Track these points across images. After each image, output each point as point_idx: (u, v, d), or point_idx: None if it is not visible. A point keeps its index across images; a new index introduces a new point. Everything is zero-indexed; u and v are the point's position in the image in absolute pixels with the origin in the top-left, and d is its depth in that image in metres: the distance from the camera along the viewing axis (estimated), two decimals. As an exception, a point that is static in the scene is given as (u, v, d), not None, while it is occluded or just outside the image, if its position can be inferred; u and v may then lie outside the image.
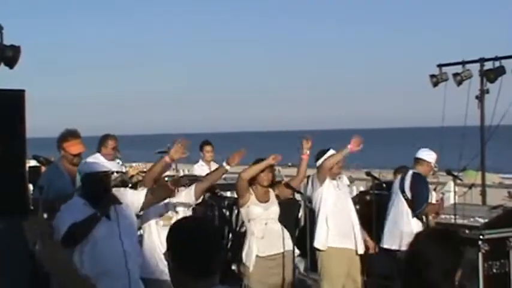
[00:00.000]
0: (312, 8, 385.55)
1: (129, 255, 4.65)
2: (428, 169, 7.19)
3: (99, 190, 4.69)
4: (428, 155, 7.18)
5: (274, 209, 6.13)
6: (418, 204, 6.99)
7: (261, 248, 5.98)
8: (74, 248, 4.57)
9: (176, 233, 2.46)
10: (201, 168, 9.74)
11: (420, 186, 7.05)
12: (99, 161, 5.57)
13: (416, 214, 7.02)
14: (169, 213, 5.59)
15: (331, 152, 6.59)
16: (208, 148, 9.79)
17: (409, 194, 7.04)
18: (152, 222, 5.57)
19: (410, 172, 7.21)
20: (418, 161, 7.18)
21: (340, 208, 6.53)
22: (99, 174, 4.74)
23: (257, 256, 5.97)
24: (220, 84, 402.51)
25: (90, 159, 7.10)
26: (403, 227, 6.93)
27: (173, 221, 5.08)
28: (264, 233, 6.02)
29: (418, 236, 2.76)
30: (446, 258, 2.58)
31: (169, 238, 2.46)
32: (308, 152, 6.28)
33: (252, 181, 6.08)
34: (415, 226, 6.89)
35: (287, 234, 6.14)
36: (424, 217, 7.14)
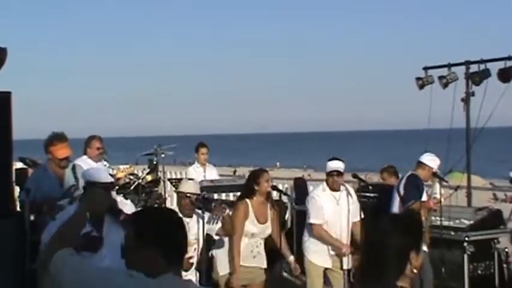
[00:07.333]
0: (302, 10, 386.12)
1: None
2: (428, 174, 7.11)
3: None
4: (430, 160, 7.14)
5: (268, 231, 6.17)
6: (406, 201, 6.97)
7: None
8: None
9: (160, 220, 2.52)
10: (196, 171, 9.60)
11: (412, 184, 7.01)
12: (102, 168, 5.23)
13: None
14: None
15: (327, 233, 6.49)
16: (203, 150, 9.69)
17: (402, 192, 7.05)
18: None
19: (408, 173, 7.21)
20: (420, 164, 7.13)
21: (331, 220, 6.49)
22: (104, 184, 4.36)
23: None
24: (212, 85, 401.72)
25: (78, 162, 7.08)
26: None
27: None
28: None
29: (377, 221, 2.79)
30: (400, 238, 2.59)
31: (149, 224, 2.49)
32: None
33: (252, 193, 6.09)
34: None
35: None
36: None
